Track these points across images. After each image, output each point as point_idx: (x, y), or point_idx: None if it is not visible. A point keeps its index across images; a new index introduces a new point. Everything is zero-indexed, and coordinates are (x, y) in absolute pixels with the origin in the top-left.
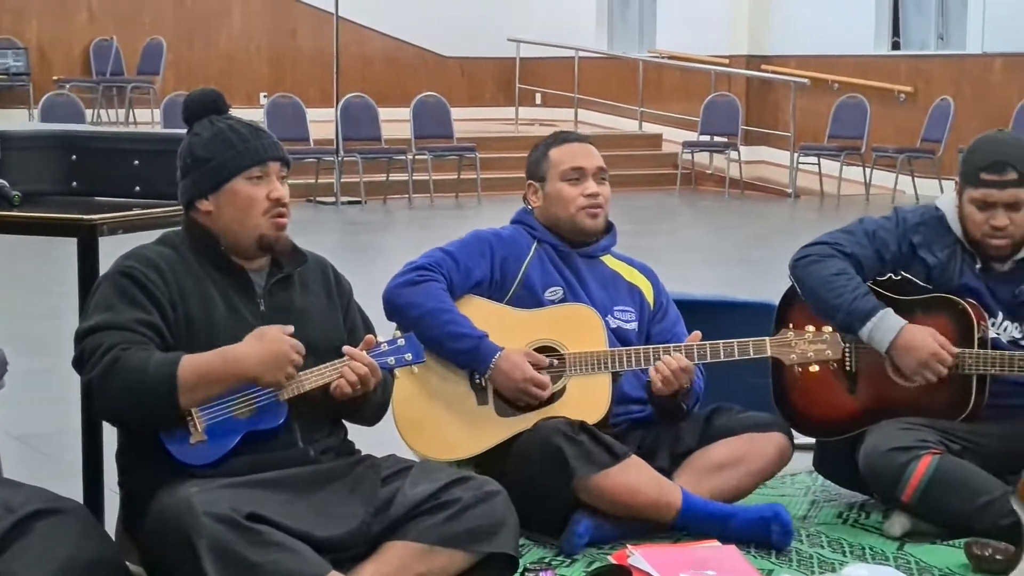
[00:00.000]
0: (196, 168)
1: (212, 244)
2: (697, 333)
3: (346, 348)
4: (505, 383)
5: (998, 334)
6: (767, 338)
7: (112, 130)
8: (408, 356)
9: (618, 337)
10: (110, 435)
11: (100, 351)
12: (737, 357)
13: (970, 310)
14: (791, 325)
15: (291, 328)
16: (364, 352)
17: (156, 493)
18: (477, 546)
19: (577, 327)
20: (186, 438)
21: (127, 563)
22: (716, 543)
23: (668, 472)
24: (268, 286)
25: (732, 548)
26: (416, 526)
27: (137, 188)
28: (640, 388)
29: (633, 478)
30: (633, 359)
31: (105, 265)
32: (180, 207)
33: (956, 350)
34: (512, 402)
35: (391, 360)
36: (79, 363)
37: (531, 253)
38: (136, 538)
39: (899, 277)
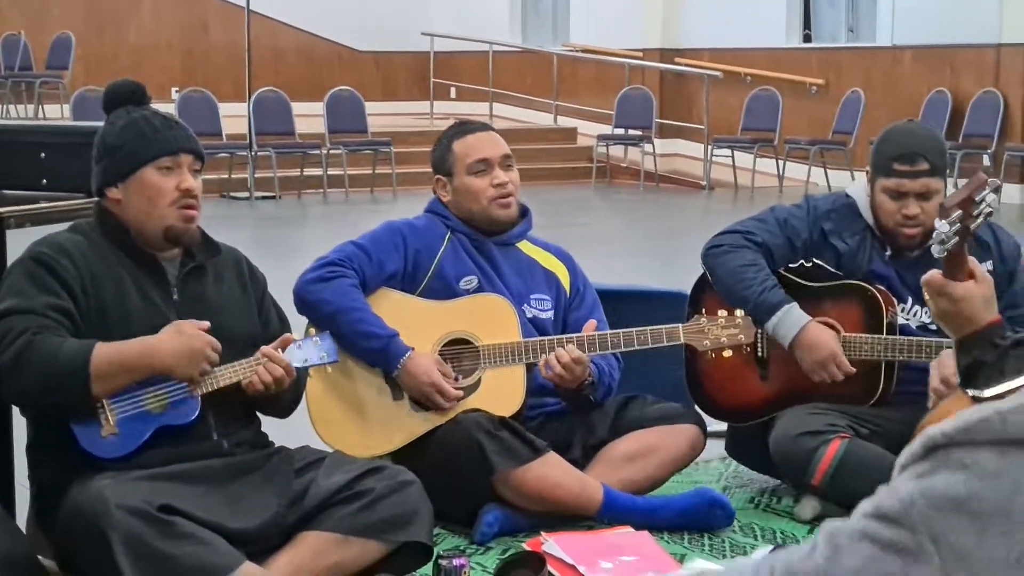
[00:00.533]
0: (107, 156)
1: (123, 233)
2: (592, 322)
3: (263, 349)
4: (411, 385)
5: (907, 319)
6: (680, 325)
7: (18, 123)
8: (323, 355)
9: (535, 326)
10: (20, 429)
11: (12, 335)
12: (650, 345)
13: (879, 296)
14: (704, 311)
15: (207, 324)
16: (279, 351)
17: (68, 486)
18: (391, 535)
19: (490, 318)
20: (97, 430)
21: (39, 557)
22: (629, 529)
23: (581, 464)
24: (181, 275)
25: (645, 534)
26: (330, 516)
27: (44, 181)
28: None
29: (554, 472)
30: (546, 349)
31: (13, 258)
32: (89, 199)
33: (864, 336)
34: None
35: (307, 359)
36: None
37: (444, 243)
38: (48, 532)
39: (810, 264)
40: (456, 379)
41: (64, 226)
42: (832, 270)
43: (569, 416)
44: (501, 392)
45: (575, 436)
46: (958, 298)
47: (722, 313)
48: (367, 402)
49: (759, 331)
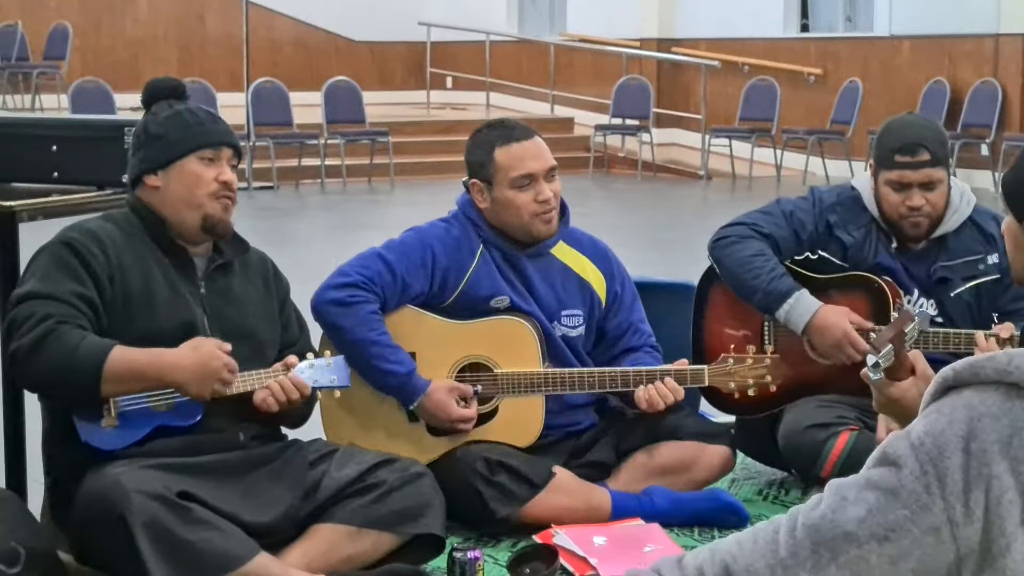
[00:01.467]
0: (149, 144)
1: (157, 224)
2: (684, 361)
3: (290, 376)
4: (431, 419)
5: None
6: (706, 367)
7: (29, 116)
8: (334, 379)
9: (564, 343)
10: (31, 425)
11: (33, 320)
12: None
13: (886, 288)
14: (710, 305)
15: (228, 346)
16: (293, 372)
17: (83, 477)
18: (404, 527)
19: (510, 344)
20: (98, 420)
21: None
22: (640, 521)
23: (609, 467)
24: (209, 270)
25: (655, 526)
26: (343, 508)
27: (56, 174)
28: (586, 396)
29: (558, 499)
30: (567, 383)
31: (25, 251)
32: (100, 192)
33: (870, 325)
34: None
35: (316, 381)
36: (9, 328)
37: (476, 260)
38: (64, 524)
39: (816, 257)
40: (475, 393)
41: (77, 219)
42: (838, 263)
43: (601, 420)
44: (518, 422)
45: (606, 437)
46: (895, 398)
47: (751, 349)
48: (380, 422)
49: (765, 323)
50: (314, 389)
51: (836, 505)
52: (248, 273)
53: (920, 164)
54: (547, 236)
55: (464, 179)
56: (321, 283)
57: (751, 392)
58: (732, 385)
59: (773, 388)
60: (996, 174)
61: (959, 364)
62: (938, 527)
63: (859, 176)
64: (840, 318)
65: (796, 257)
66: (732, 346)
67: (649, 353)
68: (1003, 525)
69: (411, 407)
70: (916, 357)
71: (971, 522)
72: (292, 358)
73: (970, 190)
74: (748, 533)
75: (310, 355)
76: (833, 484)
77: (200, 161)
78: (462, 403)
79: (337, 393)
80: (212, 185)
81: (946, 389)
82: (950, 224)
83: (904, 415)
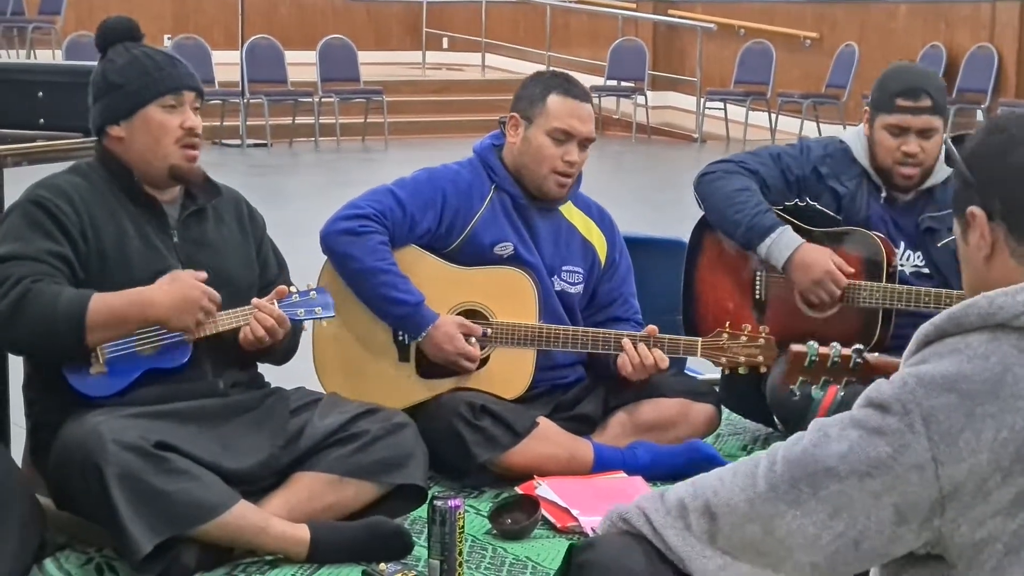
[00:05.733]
0: (109, 93)
1: (125, 174)
2: (653, 328)
3: (255, 301)
4: (435, 353)
5: (901, 265)
6: (699, 339)
7: (15, 62)
8: (318, 310)
9: (561, 300)
10: (15, 368)
11: (9, 282)
12: (666, 354)
13: (882, 245)
14: (704, 253)
15: (204, 274)
16: (274, 303)
17: (63, 423)
18: (386, 477)
19: (509, 295)
20: (86, 369)
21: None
22: (622, 474)
23: (595, 421)
24: (182, 218)
25: (638, 479)
26: (325, 457)
27: (41, 120)
28: (576, 354)
29: (540, 448)
30: (561, 340)
31: (10, 196)
32: (87, 139)
33: (850, 270)
34: (433, 364)
35: (300, 312)
36: None
37: (485, 204)
38: (43, 469)
39: (805, 204)
40: (484, 335)
41: (64, 166)
42: (832, 214)
43: (589, 375)
44: (508, 374)
45: (594, 392)
46: None
47: (746, 328)
48: (373, 359)
49: (757, 273)
50: (298, 321)
51: (818, 440)
52: (222, 216)
53: (921, 110)
54: (555, 197)
55: (501, 117)
56: (330, 216)
57: (741, 371)
58: (723, 360)
59: (763, 370)
60: None
61: (937, 318)
62: (922, 465)
63: (848, 131)
64: (822, 255)
65: (787, 203)
66: (728, 322)
67: (634, 328)
68: (998, 462)
69: (418, 338)
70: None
71: (958, 461)
72: (283, 288)
73: None
74: (729, 469)
75: (293, 287)
76: (816, 422)
77: (163, 109)
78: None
79: (324, 323)
80: (176, 132)
81: (927, 343)
82: (938, 176)
83: None
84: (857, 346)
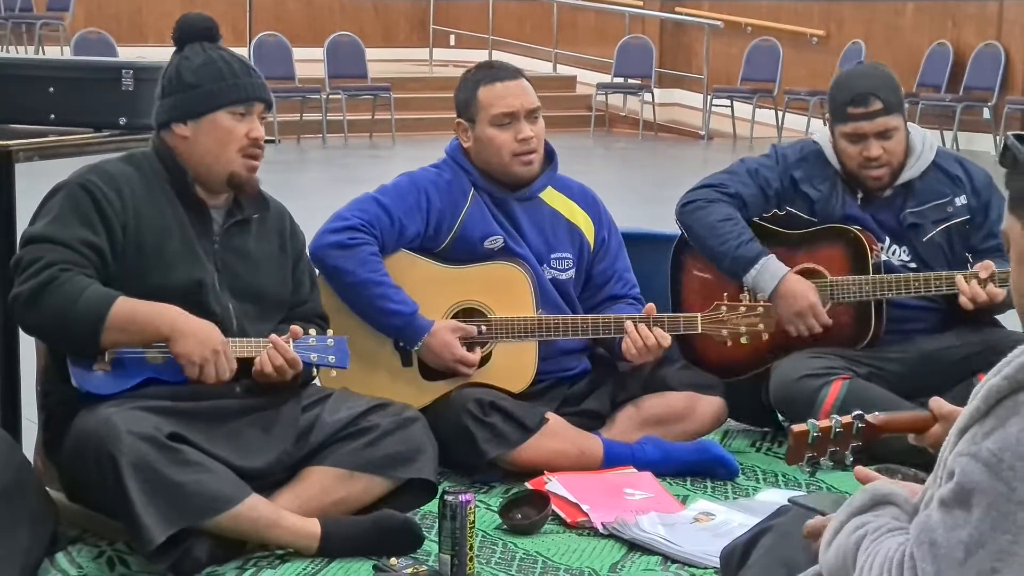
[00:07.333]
0: (181, 91)
1: (179, 172)
2: (651, 306)
3: (272, 337)
4: (433, 360)
5: (888, 258)
6: (699, 314)
7: (27, 57)
8: (331, 358)
9: (555, 287)
10: (26, 364)
11: (38, 265)
12: (667, 332)
13: (863, 237)
14: (725, 297)
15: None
16: (289, 343)
17: (76, 414)
18: (396, 472)
19: (504, 289)
20: (90, 363)
21: (47, 488)
22: (632, 469)
23: (603, 416)
24: (226, 225)
25: (648, 475)
26: (335, 452)
27: (52, 115)
28: (578, 342)
29: (550, 444)
30: (561, 328)
31: (22, 191)
32: (97, 134)
33: (828, 321)
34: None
35: (314, 357)
36: (15, 268)
37: (468, 202)
38: (55, 461)
39: (783, 212)
40: (480, 332)
41: (64, 163)
42: (807, 217)
43: (596, 370)
44: (512, 367)
45: (601, 386)
46: (930, 445)
47: (744, 298)
48: (378, 366)
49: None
50: (310, 365)
51: (934, 556)
52: (265, 231)
53: (873, 114)
54: (527, 177)
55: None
56: (318, 229)
57: (744, 340)
58: (725, 333)
59: (765, 336)
60: (998, 137)
61: (1009, 371)
62: None
63: (820, 130)
64: (806, 290)
65: (764, 214)
66: (725, 295)
67: (632, 304)
68: None
69: (414, 348)
70: (937, 403)
71: None
72: (296, 328)
73: (930, 135)
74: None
75: (313, 330)
76: (922, 537)
77: (232, 116)
78: (464, 345)
79: (333, 373)
80: (242, 141)
81: (1000, 399)
82: (914, 170)
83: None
84: (857, 412)
